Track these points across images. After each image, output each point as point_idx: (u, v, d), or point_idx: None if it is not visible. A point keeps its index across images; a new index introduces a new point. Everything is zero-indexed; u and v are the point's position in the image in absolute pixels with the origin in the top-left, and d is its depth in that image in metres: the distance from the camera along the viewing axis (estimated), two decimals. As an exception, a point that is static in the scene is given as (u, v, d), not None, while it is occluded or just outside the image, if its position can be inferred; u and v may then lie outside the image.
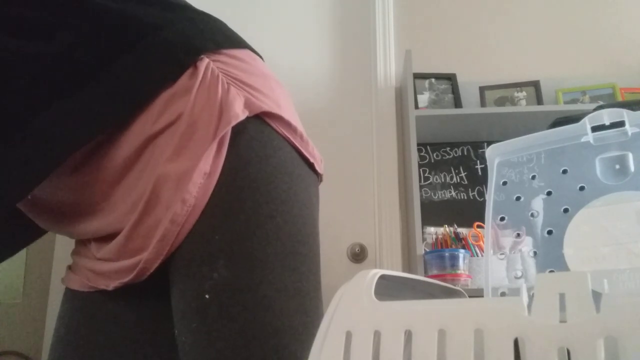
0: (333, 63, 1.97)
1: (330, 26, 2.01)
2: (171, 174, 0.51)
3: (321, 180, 0.65)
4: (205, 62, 0.54)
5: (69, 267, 0.67)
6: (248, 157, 0.53)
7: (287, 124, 0.58)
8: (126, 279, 0.56)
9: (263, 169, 0.54)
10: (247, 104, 0.54)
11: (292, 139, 0.58)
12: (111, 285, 0.58)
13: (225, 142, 0.52)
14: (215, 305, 0.50)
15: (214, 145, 0.51)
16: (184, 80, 0.53)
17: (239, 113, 0.52)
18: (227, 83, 0.54)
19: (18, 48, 0.50)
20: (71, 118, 0.50)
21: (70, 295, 0.65)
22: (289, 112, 0.59)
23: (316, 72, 1.95)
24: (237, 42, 0.60)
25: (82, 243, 0.65)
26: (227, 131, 0.52)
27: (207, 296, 0.50)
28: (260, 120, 0.55)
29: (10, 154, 0.49)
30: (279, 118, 0.57)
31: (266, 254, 0.52)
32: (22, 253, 1.83)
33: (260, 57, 0.64)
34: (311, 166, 0.61)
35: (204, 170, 0.51)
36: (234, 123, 0.52)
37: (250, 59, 0.60)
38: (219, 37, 0.58)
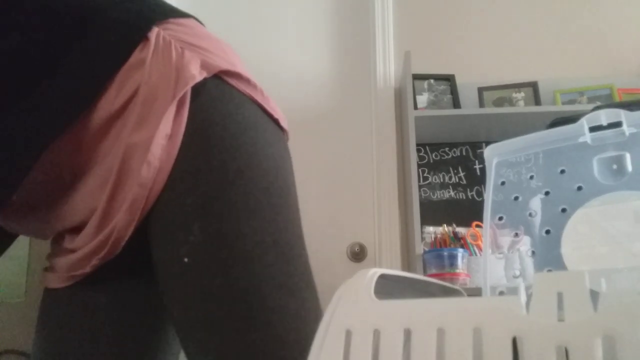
0: (333, 64, 1.97)
1: (330, 27, 2.01)
2: (138, 143, 0.51)
3: (287, 138, 0.64)
4: (155, 32, 0.54)
5: (45, 269, 0.67)
6: (211, 116, 0.53)
7: (247, 81, 0.57)
8: (101, 254, 0.55)
9: (227, 126, 0.53)
10: (204, 65, 0.54)
11: (253, 95, 0.57)
12: (88, 266, 0.57)
13: (186, 104, 0.52)
14: (195, 267, 0.51)
15: (173, 107, 0.51)
16: (136, 53, 0.52)
17: (196, 74, 0.52)
18: (180, 48, 0.54)
19: None
20: (30, 119, 0.50)
21: (48, 293, 0.65)
22: (244, 70, 0.59)
23: (316, 73, 1.95)
24: (182, 13, 0.60)
25: (57, 242, 0.65)
26: (186, 92, 0.52)
27: (185, 260, 0.51)
28: (219, 79, 0.55)
29: None
30: (237, 75, 0.56)
31: (239, 210, 0.52)
32: (25, 252, 1.83)
33: (203, 25, 0.64)
34: (276, 122, 0.61)
35: (164, 132, 0.51)
36: (191, 84, 0.52)
37: (197, 26, 0.60)
38: (164, 9, 0.58)
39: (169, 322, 0.63)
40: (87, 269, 0.58)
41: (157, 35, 0.54)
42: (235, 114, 0.55)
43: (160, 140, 0.50)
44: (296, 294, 0.52)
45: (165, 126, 0.51)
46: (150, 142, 0.50)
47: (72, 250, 0.60)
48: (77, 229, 0.59)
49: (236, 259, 0.51)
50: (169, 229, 0.52)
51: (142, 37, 0.53)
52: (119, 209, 0.52)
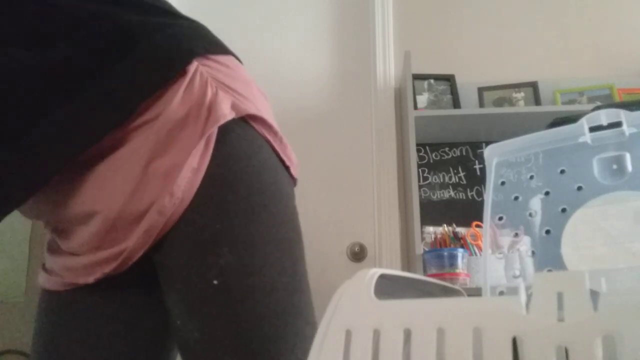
0: (333, 64, 1.97)
1: (330, 27, 2.01)
2: (159, 169, 0.53)
3: (295, 185, 0.68)
4: (194, 66, 0.57)
5: (44, 267, 0.67)
6: (237, 153, 0.57)
7: (269, 127, 0.62)
8: (108, 269, 0.56)
9: (251, 163, 0.58)
10: (234, 107, 0.57)
11: (272, 141, 0.62)
12: (91, 278, 0.58)
13: (212, 140, 0.55)
14: (224, 290, 0.53)
15: (202, 143, 0.54)
16: (170, 82, 0.55)
17: (227, 113, 0.56)
18: (215, 87, 0.57)
19: (21, 58, 0.51)
20: (70, 125, 0.52)
21: (47, 296, 0.65)
22: (269, 117, 0.63)
23: (316, 73, 1.95)
24: (222, 49, 0.63)
25: (53, 241, 0.65)
26: (214, 130, 0.55)
27: (215, 282, 0.53)
28: (245, 122, 0.59)
29: (11, 160, 0.51)
30: (262, 120, 0.61)
31: (264, 240, 0.56)
32: (25, 251, 1.83)
33: (241, 62, 0.67)
34: (287, 169, 0.65)
35: (192, 166, 0.54)
36: (222, 122, 0.55)
37: (234, 65, 0.63)
38: (206, 43, 0.61)
39: (167, 336, 0.65)
40: (90, 280, 0.59)
41: (196, 70, 0.57)
42: (258, 153, 0.59)
43: (187, 173, 0.53)
44: (310, 321, 0.57)
45: (193, 160, 0.54)
46: (174, 172, 0.53)
47: (71, 254, 0.60)
48: (70, 229, 0.59)
49: (264, 286, 0.54)
50: (195, 251, 0.54)
51: (181, 70, 0.56)
52: (129, 228, 0.54)
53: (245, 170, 0.56)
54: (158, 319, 0.65)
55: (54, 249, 0.65)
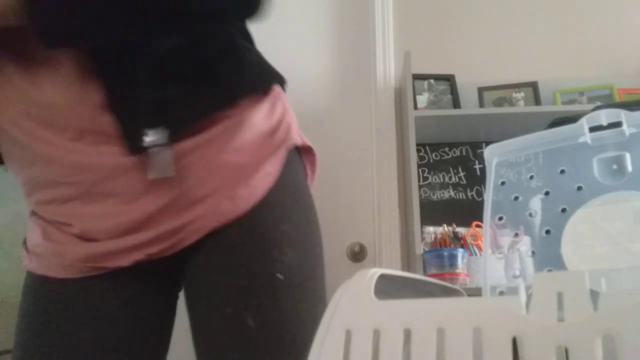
0: (332, 64, 1.97)
1: (330, 27, 2.01)
2: (231, 161, 0.60)
3: None
4: (277, 89, 0.68)
5: (31, 252, 0.65)
6: (295, 170, 0.67)
7: (314, 156, 0.73)
8: (157, 249, 0.59)
9: (303, 182, 0.68)
10: (297, 134, 0.69)
11: (308, 169, 0.72)
12: (130, 259, 0.59)
13: (284, 155, 0.65)
14: (287, 285, 0.58)
15: (279, 154, 0.63)
16: (260, 92, 0.65)
17: (297, 138, 0.67)
18: (289, 112, 0.68)
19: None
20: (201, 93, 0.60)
21: (46, 283, 0.63)
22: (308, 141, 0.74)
23: (316, 72, 1.95)
24: (284, 81, 0.73)
25: (58, 230, 0.63)
26: (289, 147, 0.65)
27: (279, 276, 0.58)
28: (297, 148, 0.69)
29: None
30: (310, 150, 0.72)
31: (315, 250, 0.64)
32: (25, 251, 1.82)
33: None
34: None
35: (267, 170, 0.61)
36: (297, 143, 0.67)
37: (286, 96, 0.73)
38: (281, 75, 0.72)
39: (168, 334, 0.67)
40: (124, 262, 0.59)
41: (278, 93, 0.68)
42: (303, 174, 0.70)
43: (262, 174, 0.61)
44: None
45: (268, 165, 0.62)
46: (251, 170, 0.60)
47: (88, 239, 0.60)
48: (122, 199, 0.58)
49: (318, 291, 0.61)
50: (263, 245, 0.60)
51: (271, 88, 0.67)
52: (185, 206, 0.58)
53: (301, 187, 0.66)
54: (160, 317, 0.66)
55: (56, 240, 0.63)
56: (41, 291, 0.64)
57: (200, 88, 0.59)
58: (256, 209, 0.60)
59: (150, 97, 0.56)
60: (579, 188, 0.38)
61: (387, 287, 0.30)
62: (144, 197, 0.58)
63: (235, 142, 0.60)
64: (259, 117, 0.63)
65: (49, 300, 0.63)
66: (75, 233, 0.61)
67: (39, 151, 0.58)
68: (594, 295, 0.23)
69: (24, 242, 0.69)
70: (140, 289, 0.64)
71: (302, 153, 0.70)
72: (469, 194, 1.82)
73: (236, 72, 0.63)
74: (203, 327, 0.61)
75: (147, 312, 0.65)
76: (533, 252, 0.39)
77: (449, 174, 1.84)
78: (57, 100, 0.56)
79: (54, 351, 0.60)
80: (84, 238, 0.61)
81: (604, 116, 0.37)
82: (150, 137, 0.54)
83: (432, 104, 1.82)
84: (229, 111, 0.61)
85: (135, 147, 0.55)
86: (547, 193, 0.40)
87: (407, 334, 0.25)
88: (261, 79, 0.66)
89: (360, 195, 1.81)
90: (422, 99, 1.84)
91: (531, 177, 0.40)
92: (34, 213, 0.67)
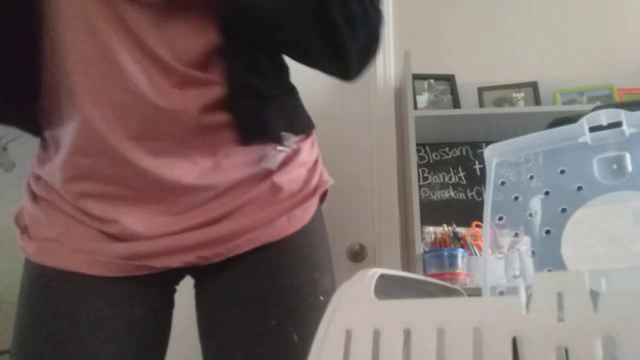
0: (332, 63, 1.97)
1: (329, 26, 2.00)
2: (287, 188, 0.65)
3: None
4: (314, 134, 0.75)
5: (42, 241, 0.61)
6: (320, 208, 0.72)
7: (327, 190, 0.76)
8: (209, 252, 0.60)
9: (323, 218, 0.74)
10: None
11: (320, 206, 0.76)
12: (180, 261, 0.59)
13: (323, 188, 0.71)
14: (325, 307, 0.60)
15: (321, 188, 0.70)
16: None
17: (328, 177, 0.74)
18: (319, 152, 0.74)
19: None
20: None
21: (73, 280, 0.58)
22: None
23: (315, 73, 1.95)
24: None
25: (90, 228, 0.60)
26: (325, 184, 0.71)
27: (321, 298, 0.61)
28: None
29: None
30: (326, 190, 0.75)
31: (333, 273, 0.68)
32: (21, 253, 1.82)
33: None
34: None
35: (312, 201, 0.67)
36: (330, 183, 0.73)
37: None
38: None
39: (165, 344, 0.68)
40: (174, 263, 0.59)
41: (314, 137, 0.75)
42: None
43: (312, 203, 0.67)
44: None
45: (313, 201, 0.68)
46: (299, 200, 0.65)
47: (124, 239, 0.58)
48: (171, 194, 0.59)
49: None
50: (306, 265, 0.63)
51: (314, 128, 0.74)
52: (244, 218, 0.61)
53: (324, 223, 0.72)
54: (164, 327, 0.67)
55: (91, 238, 0.60)
56: (56, 287, 0.59)
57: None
58: (304, 232, 0.65)
59: (276, 105, 0.62)
60: (579, 188, 0.38)
61: (387, 287, 0.30)
62: (199, 208, 0.61)
63: (290, 172, 0.66)
64: (304, 154, 0.69)
65: (66, 298, 0.58)
66: (113, 231, 0.59)
67: (117, 151, 0.56)
68: (594, 295, 0.23)
69: (24, 230, 0.65)
70: (159, 295, 0.65)
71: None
72: (469, 194, 1.82)
73: (297, 109, 0.71)
74: (237, 332, 0.60)
75: (162, 316, 0.66)
76: (533, 252, 0.39)
77: (449, 174, 1.84)
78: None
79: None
80: (121, 237, 0.59)
81: (604, 116, 0.37)
82: (286, 139, 0.62)
83: (432, 104, 1.82)
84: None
85: (249, 139, 0.59)
86: (547, 193, 0.40)
87: (407, 334, 0.25)
88: (309, 119, 0.73)
89: (360, 195, 1.81)
90: (422, 99, 1.84)
91: (531, 177, 0.40)
92: (48, 201, 0.62)
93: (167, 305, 0.67)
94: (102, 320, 0.58)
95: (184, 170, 0.59)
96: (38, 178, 0.65)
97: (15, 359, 0.59)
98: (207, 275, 0.64)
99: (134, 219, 0.59)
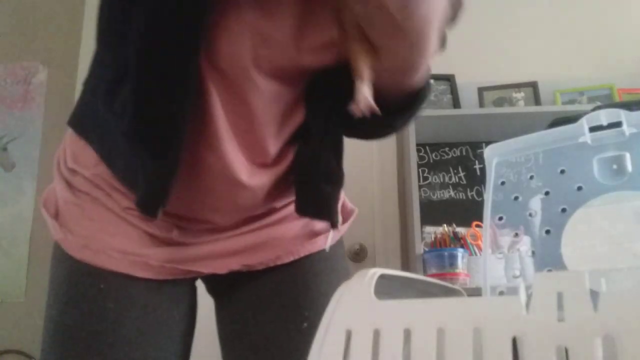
0: (332, 63, 1.97)
1: (329, 26, 2.00)
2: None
3: None
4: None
5: (89, 239, 0.58)
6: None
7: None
8: (255, 260, 0.64)
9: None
10: None
11: None
12: (227, 267, 0.63)
13: (351, 218, 0.78)
14: None
15: (349, 218, 0.79)
16: None
17: (354, 209, 0.82)
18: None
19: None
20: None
21: (123, 280, 0.58)
22: None
23: (315, 72, 1.95)
24: None
25: (144, 231, 0.59)
26: (351, 213, 0.80)
27: None
28: None
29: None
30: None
31: None
32: (25, 251, 1.83)
33: None
34: None
35: (341, 228, 0.75)
36: (355, 213, 0.81)
37: None
38: None
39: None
40: (221, 270, 0.62)
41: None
42: None
43: (339, 229, 0.73)
44: None
45: (345, 225, 0.77)
46: (328, 230, 0.72)
47: (189, 243, 0.61)
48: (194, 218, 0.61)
49: None
50: (335, 277, 0.69)
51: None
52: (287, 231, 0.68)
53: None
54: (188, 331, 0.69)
55: (142, 243, 0.60)
56: (105, 288, 0.58)
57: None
58: (335, 248, 0.73)
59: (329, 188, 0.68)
60: (579, 188, 0.38)
61: (387, 287, 0.30)
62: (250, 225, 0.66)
63: None
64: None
65: (115, 299, 0.58)
66: (162, 235, 0.60)
67: (216, 161, 0.56)
68: (594, 295, 0.23)
69: (55, 217, 0.62)
70: (189, 300, 0.67)
71: None
72: (469, 194, 1.82)
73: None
74: (267, 332, 0.64)
75: (191, 321, 0.68)
76: (533, 252, 0.39)
77: (449, 174, 1.84)
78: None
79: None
80: (170, 241, 0.61)
81: (604, 116, 0.37)
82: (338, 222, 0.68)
83: (432, 104, 1.82)
84: None
85: (305, 214, 0.65)
86: (547, 193, 0.40)
87: (407, 334, 0.25)
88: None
89: (361, 196, 1.81)
90: (422, 99, 1.84)
91: (531, 177, 0.40)
92: (91, 196, 0.60)
93: (194, 310, 0.68)
94: (147, 324, 0.59)
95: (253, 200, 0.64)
96: (73, 172, 0.62)
97: (55, 354, 0.57)
98: (236, 282, 0.67)
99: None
